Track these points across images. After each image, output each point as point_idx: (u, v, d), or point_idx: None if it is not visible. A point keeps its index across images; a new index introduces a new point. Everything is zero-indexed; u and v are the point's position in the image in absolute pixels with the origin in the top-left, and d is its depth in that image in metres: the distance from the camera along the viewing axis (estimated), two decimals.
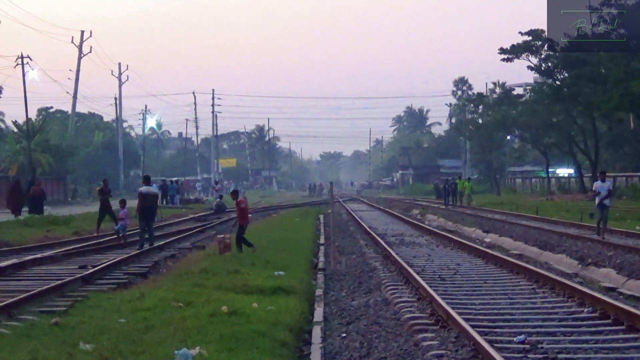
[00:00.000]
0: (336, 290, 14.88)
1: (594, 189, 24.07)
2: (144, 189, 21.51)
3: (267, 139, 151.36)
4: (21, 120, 64.38)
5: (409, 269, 15.71)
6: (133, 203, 23.15)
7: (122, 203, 23.39)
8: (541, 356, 8.74)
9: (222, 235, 20.23)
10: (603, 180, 23.53)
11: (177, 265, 17.69)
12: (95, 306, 11.85)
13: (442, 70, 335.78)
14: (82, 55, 71.69)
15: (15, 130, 68.11)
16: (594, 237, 22.59)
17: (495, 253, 19.09)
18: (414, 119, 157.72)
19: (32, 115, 76.20)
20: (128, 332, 9.64)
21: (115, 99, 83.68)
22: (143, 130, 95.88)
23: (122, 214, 22.91)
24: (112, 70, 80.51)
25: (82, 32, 72.34)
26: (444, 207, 46.34)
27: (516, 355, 8.81)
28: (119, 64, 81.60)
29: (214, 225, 32.96)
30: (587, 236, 23.19)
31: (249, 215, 20.99)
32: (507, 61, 58.72)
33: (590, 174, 65.59)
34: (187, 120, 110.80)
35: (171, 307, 11.35)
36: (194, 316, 10.61)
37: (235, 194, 20.89)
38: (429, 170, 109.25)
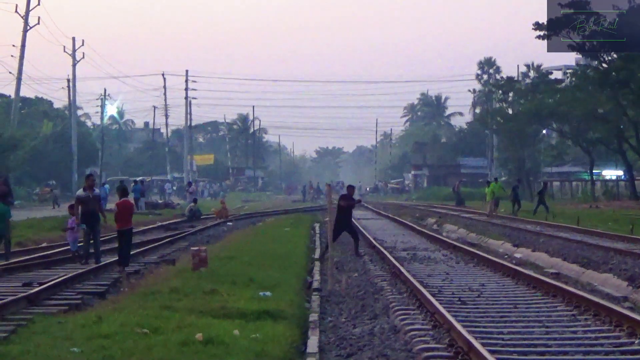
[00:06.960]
0: (334, 315, 14.91)
1: None
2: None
3: (251, 131, 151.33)
4: None
5: (423, 290, 15.74)
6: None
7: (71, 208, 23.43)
8: None
9: (197, 248, 20.26)
10: None
11: (142, 283, 17.68)
12: (43, 332, 11.85)
13: (464, 49, 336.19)
14: (28, 27, 71.58)
15: None
16: None
17: (527, 272, 19.11)
18: (430, 108, 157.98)
19: None
20: None
21: (68, 80, 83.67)
22: (102, 119, 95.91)
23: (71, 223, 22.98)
24: (64, 47, 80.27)
25: None
26: (512, 215, 46.02)
27: None
28: (73, 38, 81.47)
29: (186, 235, 32.95)
30: (639, 252, 23.21)
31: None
32: (543, 39, 58.60)
33: None
34: (154, 107, 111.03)
35: (134, 334, 11.36)
36: (162, 345, 10.61)
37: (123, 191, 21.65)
38: (448, 171, 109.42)
